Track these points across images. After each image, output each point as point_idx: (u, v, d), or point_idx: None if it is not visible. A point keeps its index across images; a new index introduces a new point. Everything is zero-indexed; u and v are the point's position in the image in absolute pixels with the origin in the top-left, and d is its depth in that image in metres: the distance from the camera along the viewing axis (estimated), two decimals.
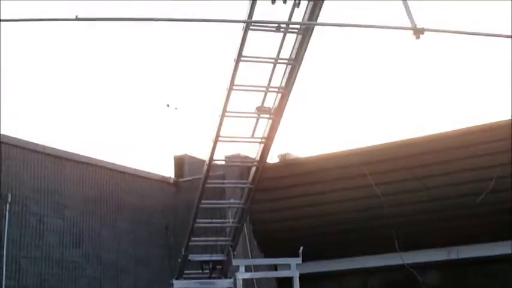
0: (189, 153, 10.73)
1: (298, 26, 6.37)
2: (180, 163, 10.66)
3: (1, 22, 3.83)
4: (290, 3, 6.07)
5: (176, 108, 11.23)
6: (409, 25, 3.86)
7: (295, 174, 10.12)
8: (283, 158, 10.60)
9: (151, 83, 15.15)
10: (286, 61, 6.72)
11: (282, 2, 6.05)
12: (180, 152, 10.91)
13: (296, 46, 6.53)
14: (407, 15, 3.83)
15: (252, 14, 6.07)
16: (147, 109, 11.68)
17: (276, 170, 10.20)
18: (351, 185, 9.62)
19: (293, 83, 6.89)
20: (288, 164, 10.45)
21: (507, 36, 3.86)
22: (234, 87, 6.83)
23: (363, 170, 9.43)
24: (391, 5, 4.23)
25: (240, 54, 6.46)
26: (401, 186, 9.29)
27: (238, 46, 6.39)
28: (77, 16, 3.87)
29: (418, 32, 3.81)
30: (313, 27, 6.32)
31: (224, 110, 7.09)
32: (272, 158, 10.48)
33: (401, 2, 3.94)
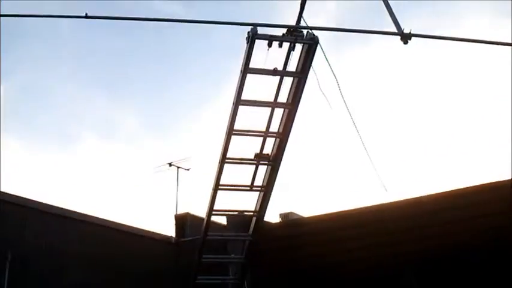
0: (191, 212, 10.73)
1: (295, 70, 6.60)
2: (182, 222, 10.63)
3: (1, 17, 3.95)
4: (286, 46, 6.36)
5: (188, 169, 11.36)
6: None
7: (297, 235, 10.04)
8: (285, 217, 10.60)
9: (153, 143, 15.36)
10: (283, 105, 6.92)
11: (277, 46, 6.35)
12: (181, 211, 10.92)
13: (293, 90, 6.75)
14: (393, 20, 4.02)
15: (250, 58, 6.34)
16: (149, 168, 11.79)
17: (278, 229, 10.19)
18: (353, 246, 9.47)
19: (291, 127, 7.06)
20: (289, 224, 10.44)
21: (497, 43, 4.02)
22: (234, 132, 6.99)
23: (366, 230, 9.34)
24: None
25: (238, 98, 6.66)
26: (408, 247, 9.08)
27: (237, 90, 6.61)
28: (86, 14, 4.01)
29: (405, 37, 3.97)
30: (309, 72, 6.55)
31: (224, 156, 7.21)
32: (274, 217, 10.51)
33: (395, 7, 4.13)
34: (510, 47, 4.21)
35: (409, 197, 9.48)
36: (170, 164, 11.32)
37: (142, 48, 13.48)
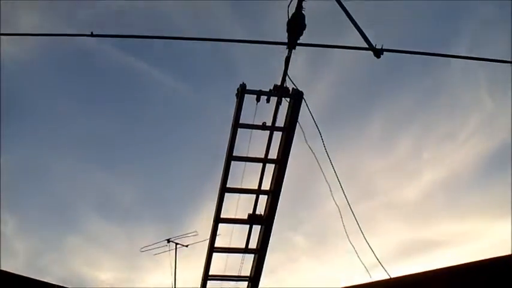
0: None
1: (283, 125, 7.05)
2: None
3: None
4: (274, 101, 6.87)
5: (187, 246, 11.42)
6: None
7: None
8: None
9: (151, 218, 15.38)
10: (273, 160, 7.29)
11: (265, 101, 6.86)
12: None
13: (282, 144, 7.16)
14: (363, 38, 4.50)
15: (240, 113, 6.83)
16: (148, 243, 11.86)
17: None
18: None
19: (281, 184, 7.37)
20: None
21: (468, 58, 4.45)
22: (227, 189, 7.29)
23: None
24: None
25: (230, 153, 7.05)
26: None
27: (229, 145, 7.01)
28: (92, 32, 4.40)
29: (378, 52, 4.43)
30: (295, 126, 7.01)
31: (217, 215, 7.45)
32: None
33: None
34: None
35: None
36: (168, 240, 11.43)
37: (140, 123, 14.04)
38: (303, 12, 6.53)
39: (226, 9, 11.00)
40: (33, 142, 14.40)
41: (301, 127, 7.03)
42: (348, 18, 5.13)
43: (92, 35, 4.52)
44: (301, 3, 6.48)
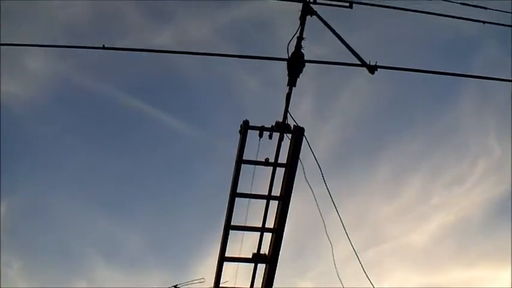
0: None
1: (285, 160, 7.17)
2: None
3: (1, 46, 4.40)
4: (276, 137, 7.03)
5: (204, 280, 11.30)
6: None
7: None
8: None
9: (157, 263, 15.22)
10: (276, 198, 7.36)
11: (268, 137, 7.02)
12: None
13: (285, 181, 7.25)
14: (355, 56, 4.68)
15: (243, 149, 6.97)
16: None
17: None
18: None
19: (284, 221, 7.41)
20: None
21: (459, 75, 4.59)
22: (231, 227, 7.34)
23: None
24: None
25: (234, 190, 7.15)
26: None
27: (233, 181, 7.11)
28: (104, 45, 4.50)
29: (371, 68, 4.60)
30: (297, 162, 7.13)
31: (222, 253, 7.46)
32: None
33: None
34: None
35: None
36: (175, 287, 11.30)
37: (146, 167, 14.12)
38: (302, 51, 6.76)
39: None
40: (38, 184, 14.55)
41: (302, 164, 7.15)
42: (341, 42, 5.33)
43: (103, 48, 4.61)
44: (300, 42, 6.71)
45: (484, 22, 6.75)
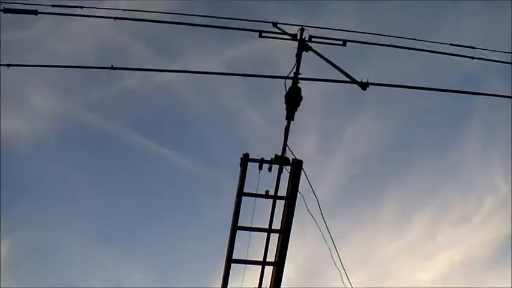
0: None
1: (285, 194, 7.29)
2: None
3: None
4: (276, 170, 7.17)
5: None
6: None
7: None
8: None
9: None
10: (277, 231, 7.44)
11: (267, 170, 7.17)
12: None
13: (285, 214, 7.35)
14: (346, 76, 4.84)
15: (244, 181, 7.11)
16: None
17: None
18: None
19: (285, 254, 7.47)
20: None
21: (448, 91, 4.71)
22: (233, 260, 7.40)
23: None
24: None
25: (235, 223, 7.25)
26: None
27: (234, 214, 7.22)
28: (112, 65, 4.60)
29: (363, 85, 4.76)
30: (296, 194, 7.24)
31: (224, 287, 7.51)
32: None
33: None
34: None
35: None
36: None
37: (150, 202, 14.19)
38: (299, 85, 6.98)
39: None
40: (44, 221, 14.65)
41: (303, 197, 7.27)
42: (329, 64, 5.51)
43: (112, 68, 4.74)
44: (297, 76, 6.94)
45: (472, 58, 6.97)
